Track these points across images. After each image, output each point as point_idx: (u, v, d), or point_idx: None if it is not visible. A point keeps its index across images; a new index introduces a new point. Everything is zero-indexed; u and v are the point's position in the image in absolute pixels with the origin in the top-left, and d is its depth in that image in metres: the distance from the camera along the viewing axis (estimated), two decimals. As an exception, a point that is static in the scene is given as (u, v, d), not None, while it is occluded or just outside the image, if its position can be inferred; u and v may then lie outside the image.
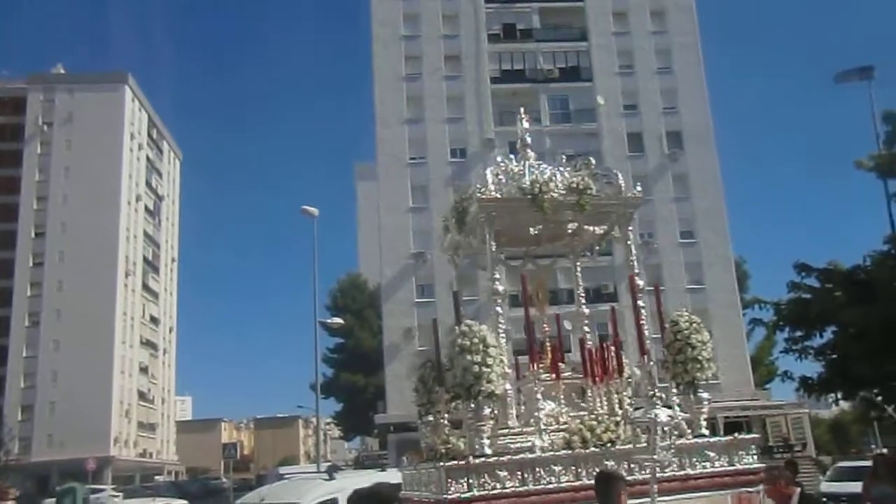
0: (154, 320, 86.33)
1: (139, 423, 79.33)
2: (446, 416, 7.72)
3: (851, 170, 20.71)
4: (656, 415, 5.72)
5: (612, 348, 7.87)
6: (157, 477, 70.46)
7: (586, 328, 8.53)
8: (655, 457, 5.51)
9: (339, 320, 41.84)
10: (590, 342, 8.20)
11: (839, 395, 21.24)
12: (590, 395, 7.69)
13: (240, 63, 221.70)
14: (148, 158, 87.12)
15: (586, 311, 8.75)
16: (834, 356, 19.12)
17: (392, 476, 9.41)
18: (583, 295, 9.02)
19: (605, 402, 7.56)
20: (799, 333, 19.41)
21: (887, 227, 21.05)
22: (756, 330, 27.00)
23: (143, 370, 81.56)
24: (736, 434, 7.19)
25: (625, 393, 7.58)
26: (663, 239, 48.00)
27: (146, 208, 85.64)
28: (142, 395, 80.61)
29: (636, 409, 7.32)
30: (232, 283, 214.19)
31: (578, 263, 9.00)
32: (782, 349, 20.43)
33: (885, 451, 32.83)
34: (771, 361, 50.11)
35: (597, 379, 7.66)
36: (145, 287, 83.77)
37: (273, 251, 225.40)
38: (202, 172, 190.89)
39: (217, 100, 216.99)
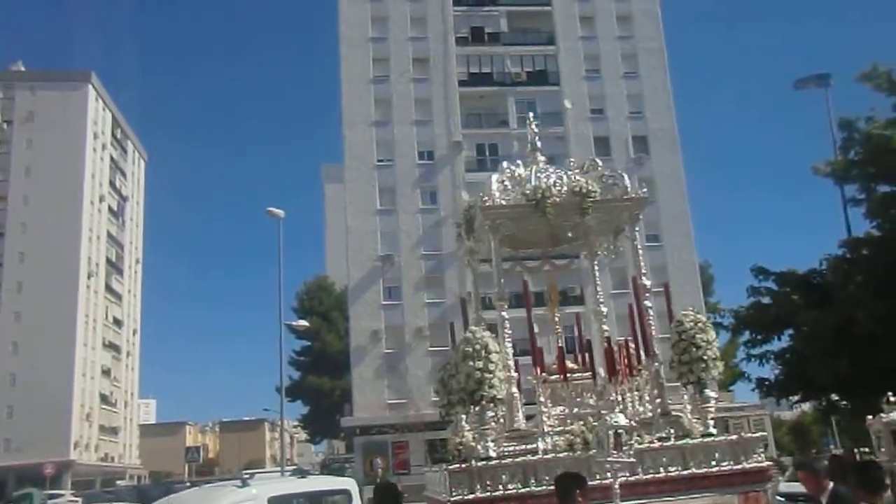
0: (117, 322, 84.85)
1: (101, 426, 77.86)
2: (464, 417, 7.77)
3: (810, 175, 21.06)
4: (612, 418, 5.74)
5: (626, 348, 7.92)
6: (118, 482, 69.18)
7: (605, 327, 8.60)
8: (611, 459, 5.53)
9: (304, 323, 41.63)
10: (605, 343, 8.26)
11: (797, 398, 21.62)
12: (608, 395, 7.77)
13: (207, 63, 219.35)
14: (112, 158, 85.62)
15: (604, 309, 8.85)
16: (792, 359, 19.43)
17: (313, 483, 9.27)
18: (601, 294, 9.11)
19: (621, 402, 7.62)
20: (758, 337, 19.70)
21: (844, 231, 21.51)
22: (720, 333, 27.20)
23: (106, 373, 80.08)
24: (741, 433, 7.27)
25: (637, 392, 7.62)
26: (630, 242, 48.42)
27: (110, 209, 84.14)
28: (104, 399, 79.14)
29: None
30: (197, 284, 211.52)
31: (595, 263, 9.14)
32: (742, 356, 20.70)
33: (840, 451, 33.43)
34: (735, 364, 50.76)
35: (611, 378, 7.72)
36: (108, 288, 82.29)
37: (239, 253, 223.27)
38: (168, 173, 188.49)
39: (184, 101, 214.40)
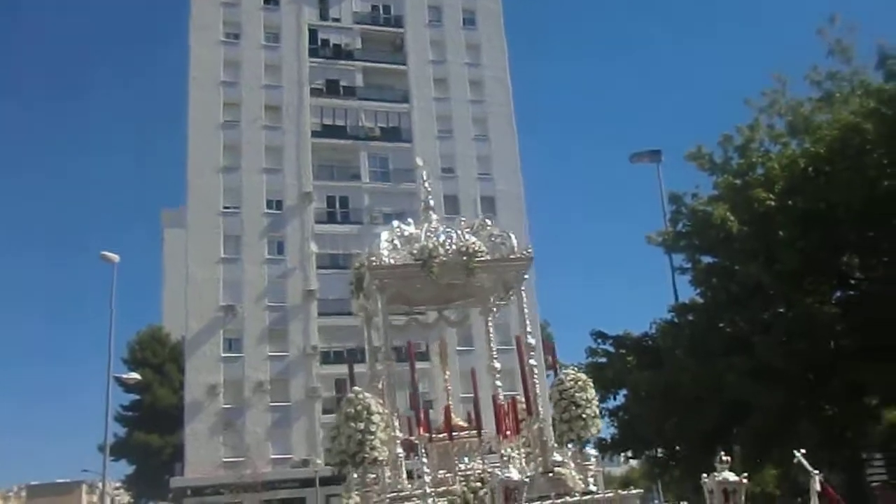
0: (-88, 372, 75.73)
1: None
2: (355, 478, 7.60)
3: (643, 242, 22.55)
4: (503, 472, 5.74)
5: (513, 406, 7.94)
6: None
7: (499, 383, 8.56)
8: None
9: (135, 375, 38.94)
10: (502, 400, 8.25)
11: (630, 455, 22.70)
12: (495, 452, 7.78)
13: (35, 87, 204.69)
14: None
15: (497, 365, 8.85)
16: (626, 417, 20.45)
17: None
18: (495, 349, 9.18)
19: (509, 460, 7.60)
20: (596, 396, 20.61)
21: (672, 297, 23.10)
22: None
23: None
24: (618, 490, 7.42)
25: (527, 449, 7.66)
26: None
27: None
28: None
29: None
30: (9, 330, 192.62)
31: (490, 319, 9.22)
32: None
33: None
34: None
35: (500, 436, 7.72)
36: None
37: (63, 301, 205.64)
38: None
39: (10, 127, 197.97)
